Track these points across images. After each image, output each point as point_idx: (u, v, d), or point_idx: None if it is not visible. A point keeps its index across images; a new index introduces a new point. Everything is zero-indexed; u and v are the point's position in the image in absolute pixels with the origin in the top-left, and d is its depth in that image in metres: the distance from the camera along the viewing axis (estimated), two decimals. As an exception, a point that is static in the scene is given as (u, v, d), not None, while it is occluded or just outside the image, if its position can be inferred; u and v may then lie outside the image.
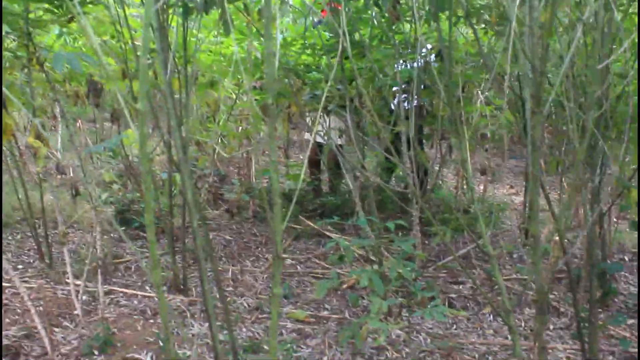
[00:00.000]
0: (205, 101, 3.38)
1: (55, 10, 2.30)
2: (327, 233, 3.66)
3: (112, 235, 3.55)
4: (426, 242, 3.68)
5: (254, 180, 4.73)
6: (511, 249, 3.57)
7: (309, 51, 3.21)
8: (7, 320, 2.44)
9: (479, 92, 4.32)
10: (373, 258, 2.99)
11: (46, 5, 2.29)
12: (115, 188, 4.18)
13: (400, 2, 3.14)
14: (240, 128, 4.20)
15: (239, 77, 3.44)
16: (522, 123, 3.74)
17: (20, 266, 3.14)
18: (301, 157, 6.23)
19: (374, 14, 2.88)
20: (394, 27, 3.09)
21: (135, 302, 2.75)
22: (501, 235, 4.08)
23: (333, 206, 4.10)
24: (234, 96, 3.66)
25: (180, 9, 2.18)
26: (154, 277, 1.14)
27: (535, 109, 1.63)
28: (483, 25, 3.19)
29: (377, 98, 3.78)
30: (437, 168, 4.47)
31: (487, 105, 4.34)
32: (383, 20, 2.90)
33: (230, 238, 3.56)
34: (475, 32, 2.52)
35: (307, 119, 3.82)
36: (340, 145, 3.99)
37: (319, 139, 4.09)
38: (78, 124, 4.98)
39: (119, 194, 3.90)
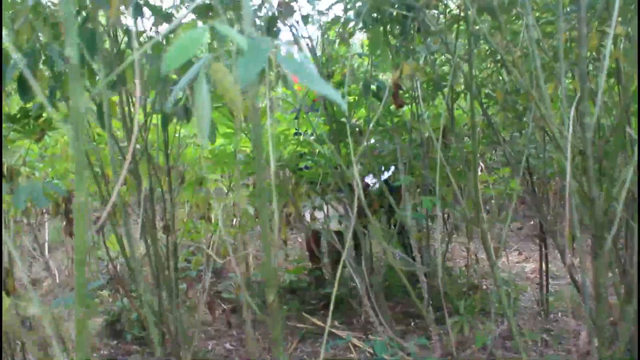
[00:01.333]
0: (194, 202, 3.16)
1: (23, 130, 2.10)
2: (335, 331, 3.38)
3: (101, 352, 3.26)
4: (441, 331, 3.41)
5: (252, 271, 4.47)
6: (535, 336, 3.29)
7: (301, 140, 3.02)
8: None
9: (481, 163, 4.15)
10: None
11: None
12: (104, 294, 3.91)
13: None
14: (234, 220, 3.99)
15: (227, 170, 3.24)
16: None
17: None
18: (299, 240, 5.97)
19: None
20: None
21: None
22: (519, 315, 3.80)
23: (337, 298, 3.83)
24: (225, 189, 3.45)
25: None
26: None
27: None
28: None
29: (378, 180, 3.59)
30: (443, 246, 4.26)
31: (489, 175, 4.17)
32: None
33: (231, 347, 3.27)
34: (485, 113, 2.34)
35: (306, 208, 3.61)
36: (339, 232, 3.76)
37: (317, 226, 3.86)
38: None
39: (109, 301, 3.62)
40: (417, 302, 2.99)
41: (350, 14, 2.46)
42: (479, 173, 4.36)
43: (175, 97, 1.99)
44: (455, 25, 1.87)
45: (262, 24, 2.24)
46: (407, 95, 2.76)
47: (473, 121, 2.02)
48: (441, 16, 2.27)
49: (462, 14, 1.87)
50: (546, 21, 2.40)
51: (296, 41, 2.35)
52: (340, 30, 2.16)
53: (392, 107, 2.91)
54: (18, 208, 1.55)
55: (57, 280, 4.27)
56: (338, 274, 1.54)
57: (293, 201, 2.87)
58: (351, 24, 2.19)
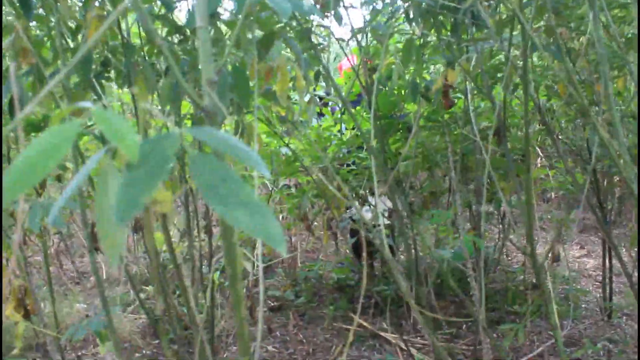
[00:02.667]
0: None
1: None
2: (384, 335, 3.23)
3: (144, 351, 3.20)
4: (494, 334, 3.22)
5: (299, 266, 4.36)
6: (596, 348, 3.05)
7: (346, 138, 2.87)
8: None
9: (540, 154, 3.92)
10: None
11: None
12: (149, 290, 3.86)
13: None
14: (281, 217, 3.88)
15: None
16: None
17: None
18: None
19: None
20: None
21: None
22: (579, 319, 3.57)
23: (386, 297, 3.68)
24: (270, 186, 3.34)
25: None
26: None
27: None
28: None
29: (429, 176, 3.42)
30: (499, 243, 4.06)
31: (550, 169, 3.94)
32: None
33: (273, 349, 3.17)
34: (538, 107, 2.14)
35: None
36: (391, 225, 3.61)
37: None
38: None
39: (152, 299, 3.57)
40: (468, 303, 2.81)
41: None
42: (538, 166, 4.13)
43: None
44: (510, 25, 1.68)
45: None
46: (458, 90, 2.58)
47: (526, 114, 1.83)
48: (498, 8, 2.08)
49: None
50: (618, 4, 2.17)
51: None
52: (385, 22, 1.98)
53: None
54: (33, 230, 1.44)
55: (104, 275, 4.26)
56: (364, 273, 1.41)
57: (336, 204, 2.73)
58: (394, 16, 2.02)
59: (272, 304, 3.80)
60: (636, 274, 3.27)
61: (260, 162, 0.54)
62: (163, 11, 1.46)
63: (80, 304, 3.68)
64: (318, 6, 1.98)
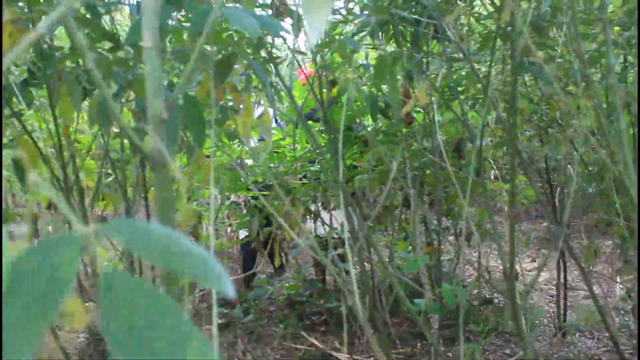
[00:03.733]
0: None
1: None
2: (336, 354, 3.10)
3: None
4: (449, 354, 3.14)
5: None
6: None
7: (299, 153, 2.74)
8: None
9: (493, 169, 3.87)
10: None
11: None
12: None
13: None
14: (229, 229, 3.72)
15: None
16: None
17: None
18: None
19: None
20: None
21: None
22: (533, 336, 3.52)
23: (338, 314, 3.56)
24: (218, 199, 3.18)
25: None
26: None
27: None
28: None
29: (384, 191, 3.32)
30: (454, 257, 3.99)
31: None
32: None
33: None
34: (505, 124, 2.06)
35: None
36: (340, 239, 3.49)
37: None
38: None
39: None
40: (419, 322, 2.71)
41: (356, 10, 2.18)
42: (494, 181, 4.09)
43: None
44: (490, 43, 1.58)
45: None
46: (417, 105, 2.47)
47: (513, 130, 1.74)
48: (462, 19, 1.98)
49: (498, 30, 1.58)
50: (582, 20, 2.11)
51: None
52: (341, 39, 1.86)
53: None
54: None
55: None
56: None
57: (288, 224, 2.59)
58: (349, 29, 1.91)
59: (220, 321, 3.64)
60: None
61: (224, 278, 0.35)
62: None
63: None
64: (281, 19, 1.85)
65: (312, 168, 2.93)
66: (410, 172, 2.69)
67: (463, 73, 2.50)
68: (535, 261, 5.42)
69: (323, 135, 2.67)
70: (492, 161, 3.75)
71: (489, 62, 1.53)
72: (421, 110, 2.58)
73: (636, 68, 2.11)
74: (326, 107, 2.07)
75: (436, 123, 1.81)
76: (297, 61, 2.05)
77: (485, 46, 1.48)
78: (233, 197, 3.12)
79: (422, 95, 1.60)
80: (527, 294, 4.19)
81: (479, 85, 2.43)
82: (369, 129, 2.69)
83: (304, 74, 2.20)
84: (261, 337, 3.42)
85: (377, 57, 1.26)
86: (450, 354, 3.21)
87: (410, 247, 3.72)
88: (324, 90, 2.14)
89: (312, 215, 3.36)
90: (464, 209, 3.45)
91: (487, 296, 4.06)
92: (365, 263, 2.82)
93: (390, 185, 3.49)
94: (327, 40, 1.65)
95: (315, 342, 3.22)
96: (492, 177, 4.11)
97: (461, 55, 1.53)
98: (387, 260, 3.86)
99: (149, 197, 2.27)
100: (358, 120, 2.66)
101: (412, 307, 1.58)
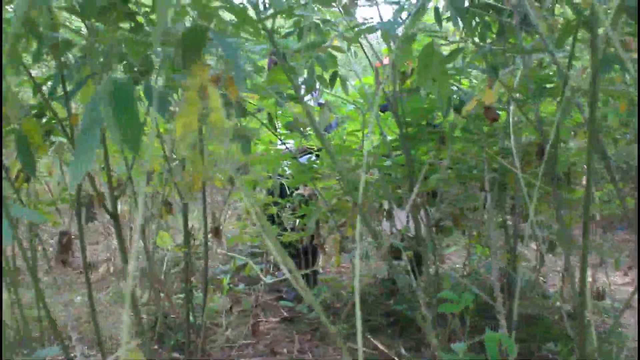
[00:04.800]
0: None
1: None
2: (399, 360, 2.95)
3: None
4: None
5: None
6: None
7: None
8: None
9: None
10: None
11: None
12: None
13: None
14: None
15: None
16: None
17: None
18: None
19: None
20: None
21: None
22: None
23: (406, 317, 3.40)
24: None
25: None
26: None
27: None
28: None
29: (464, 191, 3.12)
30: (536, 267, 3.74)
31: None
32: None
33: (279, 370, 2.91)
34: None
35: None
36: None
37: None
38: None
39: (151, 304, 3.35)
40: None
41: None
42: (583, 185, 3.79)
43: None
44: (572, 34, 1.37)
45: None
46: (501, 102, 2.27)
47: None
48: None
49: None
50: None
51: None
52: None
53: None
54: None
55: (112, 267, 4.07)
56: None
57: (352, 222, 2.44)
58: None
59: (284, 315, 3.56)
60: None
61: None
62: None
63: (80, 296, 3.49)
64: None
65: (386, 163, 2.77)
66: (488, 174, 2.50)
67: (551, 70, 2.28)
68: (627, 275, 5.01)
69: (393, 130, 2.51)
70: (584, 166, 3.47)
71: (568, 56, 1.33)
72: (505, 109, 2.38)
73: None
74: (396, 99, 1.91)
75: (510, 124, 1.62)
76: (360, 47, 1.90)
77: (565, 37, 1.27)
78: (301, 189, 3.02)
79: (489, 94, 1.42)
80: (617, 313, 3.88)
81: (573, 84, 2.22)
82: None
83: (377, 64, 2.05)
84: (325, 335, 3.30)
85: (423, 46, 1.06)
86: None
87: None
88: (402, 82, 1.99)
89: (386, 213, 3.21)
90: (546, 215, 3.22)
91: (572, 311, 3.77)
92: (430, 267, 2.65)
93: (471, 187, 3.30)
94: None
95: (380, 345, 3.08)
96: (583, 182, 3.82)
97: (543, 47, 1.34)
98: (464, 264, 3.67)
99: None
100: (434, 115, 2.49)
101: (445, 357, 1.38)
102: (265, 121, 2.08)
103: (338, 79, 1.87)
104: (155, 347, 3.08)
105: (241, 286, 3.71)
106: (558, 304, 3.86)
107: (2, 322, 1.96)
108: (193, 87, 0.63)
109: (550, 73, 2.33)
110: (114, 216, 1.71)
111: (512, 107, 1.73)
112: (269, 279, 2.99)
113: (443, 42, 1.73)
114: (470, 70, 2.17)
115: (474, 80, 2.72)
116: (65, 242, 1.79)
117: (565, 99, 1.14)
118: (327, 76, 1.81)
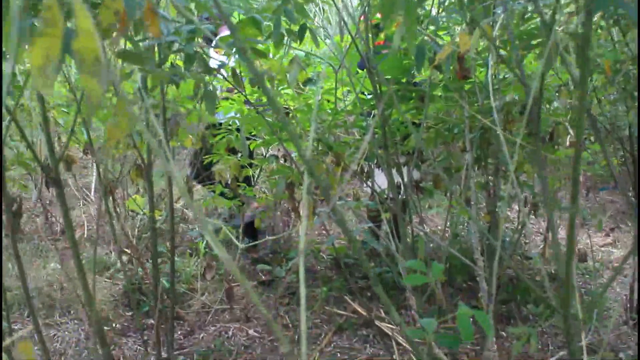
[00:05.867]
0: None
1: None
2: (379, 324, 2.90)
3: (114, 325, 2.91)
4: (504, 342, 2.89)
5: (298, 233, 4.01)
6: (616, 360, 2.68)
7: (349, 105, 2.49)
8: None
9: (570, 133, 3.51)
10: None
11: None
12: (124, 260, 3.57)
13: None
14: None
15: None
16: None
17: None
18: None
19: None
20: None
21: None
22: (600, 322, 3.18)
23: (384, 280, 3.35)
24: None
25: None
26: None
27: None
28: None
29: (445, 151, 3.04)
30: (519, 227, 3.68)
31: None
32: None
33: (254, 333, 2.85)
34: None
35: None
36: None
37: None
38: None
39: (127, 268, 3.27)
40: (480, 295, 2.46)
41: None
42: (567, 145, 3.72)
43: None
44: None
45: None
46: (480, 58, 2.17)
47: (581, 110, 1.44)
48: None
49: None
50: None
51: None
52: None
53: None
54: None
55: (86, 232, 3.98)
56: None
57: (325, 185, 2.33)
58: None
59: (263, 278, 3.49)
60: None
61: None
62: None
63: (54, 263, 3.40)
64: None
65: (365, 123, 2.68)
66: (469, 133, 2.41)
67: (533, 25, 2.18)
68: (609, 236, 4.99)
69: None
70: (568, 125, 3.39)
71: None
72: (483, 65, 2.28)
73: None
74: (370, 55, 1.80)
75: (489, 79, 1.53)
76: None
77: None
78: (272, 150, 2.91)
79: (465, 40, 1.32)
80: (598, 274, 3.85)
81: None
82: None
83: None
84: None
85: None
86: (504, 333, 2.96)
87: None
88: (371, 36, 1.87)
89: (365, 175, 3.12)
90: (529, 176, 3.15)
91: (553, 272, 3.74)
92: (411, 229, 2.58)
93: (453, 147, 3.22)
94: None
95: (359, 308, 3.03)
96: (567, 143, 3.75)
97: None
98: (445, 226, 3.61)
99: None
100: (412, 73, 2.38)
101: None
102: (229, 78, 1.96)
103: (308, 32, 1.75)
104: (129, 314, 3.01)
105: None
106: (539, 266, 3.83)
107: (2, 322, 1.88)
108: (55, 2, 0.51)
109: (533, 27, 2.24)
110: (56, 181, 1.59)
111: (491, 62, 1.63)
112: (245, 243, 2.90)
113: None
114: (448, 22, 2.06)
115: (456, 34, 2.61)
116: (16, 210, 1.69)
117: (549, 48, 1.04)
118: (295, 28, 1.70)
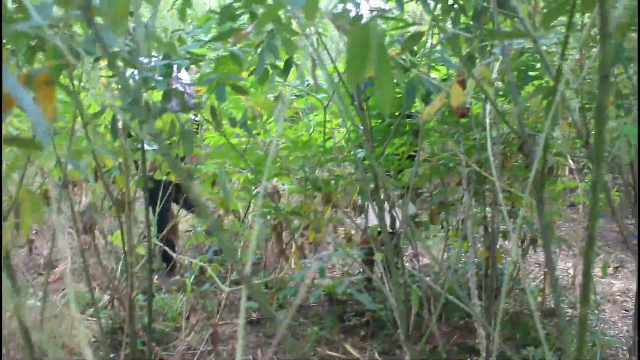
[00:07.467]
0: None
1: None
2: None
3: (95, 367, 2.76)
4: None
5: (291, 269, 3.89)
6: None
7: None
8: None
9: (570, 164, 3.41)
10: None
11: None
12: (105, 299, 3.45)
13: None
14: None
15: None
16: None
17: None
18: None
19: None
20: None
21: None
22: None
23: (378, 319, 3.21)
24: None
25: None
26: None
27: None
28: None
29: (440, 185, 2.93)
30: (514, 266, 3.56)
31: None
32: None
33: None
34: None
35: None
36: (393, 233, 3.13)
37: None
38: None
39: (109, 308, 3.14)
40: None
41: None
42: (566, 176, 3.62)
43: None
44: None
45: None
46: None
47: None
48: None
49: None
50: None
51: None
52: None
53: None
54: None
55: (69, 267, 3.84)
56: None
57: (316, 225, 2.22)
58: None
59: (251, 317, 3.35)
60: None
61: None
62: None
63: (34, 300, 3.26)
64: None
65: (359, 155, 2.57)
66: (465, 168, 2.31)
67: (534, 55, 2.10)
68: (609, 266, 4.86)
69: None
70: (568, 155, 3.30)
71: (562, 42, 1.11)
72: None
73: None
74: (359, 91, 1.70)
75: (487, 119, 1.43)
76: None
77: (551, 20, 1.04)
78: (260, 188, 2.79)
79: (457, 93, 1.21)
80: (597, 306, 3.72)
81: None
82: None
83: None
84: (294, 338, 3.11)
85: (354, 30, 0.73)
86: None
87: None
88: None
89: (358, 210, 3.02)
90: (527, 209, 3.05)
91: (553, 307, 3.61)
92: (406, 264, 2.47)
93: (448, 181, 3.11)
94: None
95: (352, 351, 2.89)
96: (567, 172, 3.65)
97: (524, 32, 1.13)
98: (442, 260, 3.50)
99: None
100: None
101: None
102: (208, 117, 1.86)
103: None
104: (112, 355, 2.88)
105: (207, 285, 3.50)
106: (539, 299, 3.71)
107: (2, 321, 1.76)
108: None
109: (531, 59, 2.15)
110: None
111: (488, 106, 1.53)
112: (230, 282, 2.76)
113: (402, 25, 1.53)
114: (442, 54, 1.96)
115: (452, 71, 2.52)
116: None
117: (556, 101, 0.92)
118: (280, 65, 1.59)
